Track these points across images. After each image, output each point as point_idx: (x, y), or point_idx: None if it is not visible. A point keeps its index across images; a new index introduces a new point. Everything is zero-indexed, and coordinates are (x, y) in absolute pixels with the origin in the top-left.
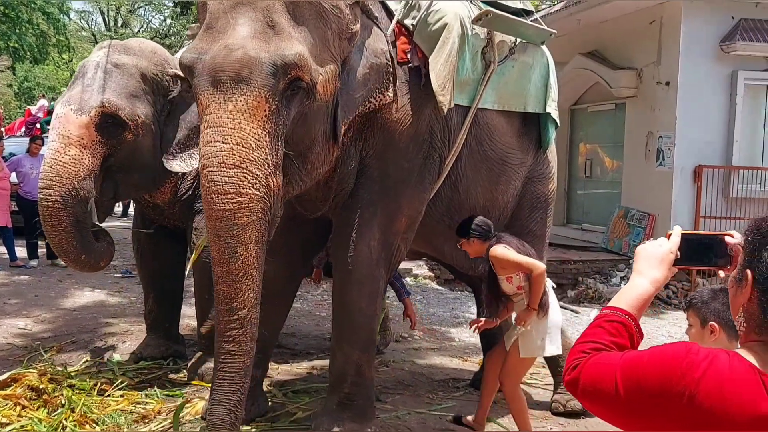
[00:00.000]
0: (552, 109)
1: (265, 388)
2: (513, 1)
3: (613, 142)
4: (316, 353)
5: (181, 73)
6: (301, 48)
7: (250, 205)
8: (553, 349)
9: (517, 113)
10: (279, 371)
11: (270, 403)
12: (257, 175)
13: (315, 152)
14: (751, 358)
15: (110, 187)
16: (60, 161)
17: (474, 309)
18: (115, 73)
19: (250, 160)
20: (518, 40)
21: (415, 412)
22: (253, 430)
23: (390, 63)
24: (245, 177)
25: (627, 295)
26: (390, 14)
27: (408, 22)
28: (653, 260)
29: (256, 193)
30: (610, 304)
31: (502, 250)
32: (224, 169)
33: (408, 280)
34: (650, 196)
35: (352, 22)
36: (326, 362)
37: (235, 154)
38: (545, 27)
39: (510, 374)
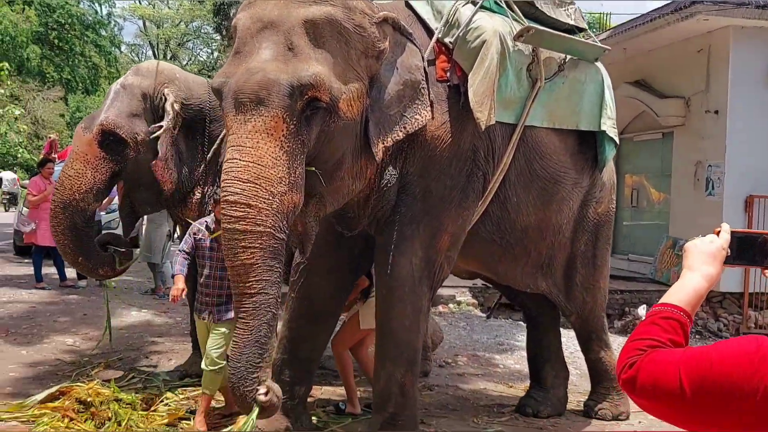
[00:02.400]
0: (608, 126)
1: None
2: (563, 16)
3: (661, 171)
4: (359, 375)
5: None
6: (319, 68)
7: (258, 217)
8: None
9: (572, 131)
10: (322, 392)
11: (314, 422)
12: (270, 191)
13: (344, 170)
14: None
15: (127, 204)
16: (66, 173)
17: (520, 336)
18: (121, 93)
19: (264, 177)
20: (568, 56)
21: None
22: None
23: (425, 79)
24: (256, 191)
25: (680, 292)
26: (430, 33)
27: (448, 40)
28: (705, 256)
29: (266, 207)
30: (663, 300)
31: None
32: (237, 182)
33: (452, 306)
34: (699, 227)
35: (379, 39)
36: (368, 384)
37: (249, 170)
38: (598, 43)
39: (343, 341)
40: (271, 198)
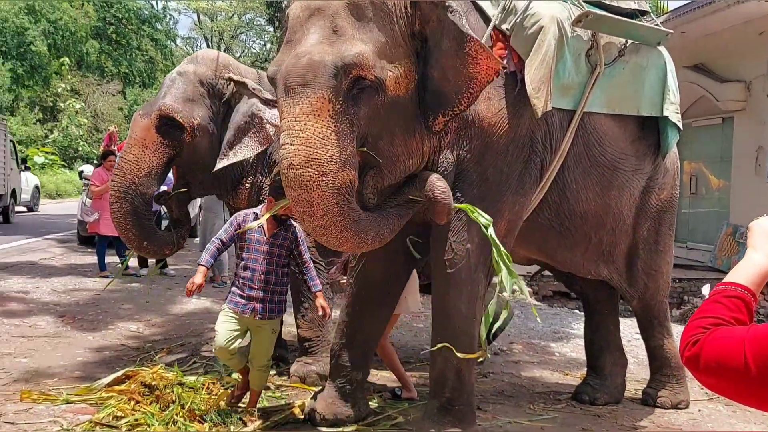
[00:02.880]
0: (671, 112)
1: None
2: (626, 2)
3: (720, 157)
4: (414, 362)
5: (234, 76)
6: (362, 48)
7: (321, 201)
8: (415, 305)
9: (633, 117)
10: (378, 377)
11: (371, 408)
12: (323, 171)
13: (397, 146)
14: None
15: (181, 185)
16: (124, 159)
17: (576, 324)
18: (177, 80)
19: (315, 159)
20: (629, 41)
21: (516, 422)
22: None
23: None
24: (311, 176)
25: (744, 271)
26: (487, 20)
27: (505, 27)
28: None
29: (325, 189)
30: (727, 279)
31: None
32: (292, 170)
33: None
34: (761, 213)
35: (423, 15)
36: (424, 371)
37: (300, 154)
38: (660, 27)
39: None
40: (324, 178)
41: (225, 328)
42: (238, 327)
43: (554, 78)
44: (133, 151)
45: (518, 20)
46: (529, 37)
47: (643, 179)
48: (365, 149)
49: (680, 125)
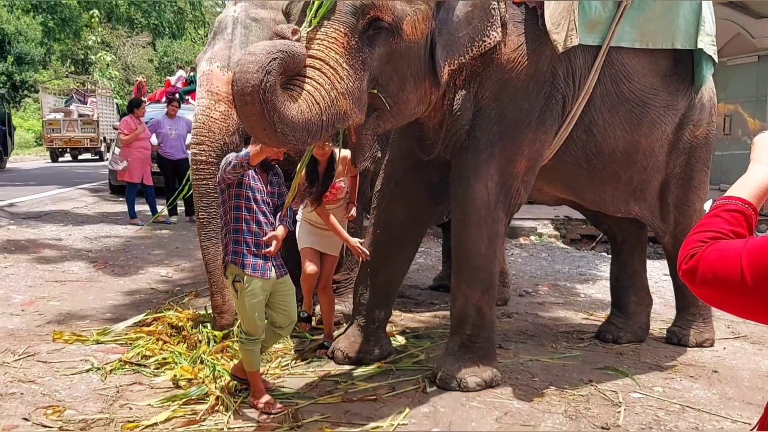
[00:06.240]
0: (706, 44)
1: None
2: None
3: (756, 96)
4: (438, 304)
5: None
6: None
7: (321, 94)
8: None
9: (664, 52)
10: (402, 318)
11: (393, 346)
12: (331, 80)
13: (407, 92)
14: None
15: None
16: (211, 117)
17: (603, 267)
18: (254, 27)
19: (328, 68)
20: None
21: (537, 360)
22: (378, 370)
23: None
24: (321, 75)
25: (746, 184)
26: None
27: None
28: None
29: (328, 91)
30: (728, 193)
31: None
32: (309, 68)
33: (533, 238)
34: None
35: None
36: (448, 312)
37: (314, 62)
38: None
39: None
40: (330, 87)
41: (258, 306)
42: (263, 297)
43: (580, 13)
44: (219, 108)
45: None
46: None
47: (676, 115)
48: (376, 92)
49: (715, 58)
